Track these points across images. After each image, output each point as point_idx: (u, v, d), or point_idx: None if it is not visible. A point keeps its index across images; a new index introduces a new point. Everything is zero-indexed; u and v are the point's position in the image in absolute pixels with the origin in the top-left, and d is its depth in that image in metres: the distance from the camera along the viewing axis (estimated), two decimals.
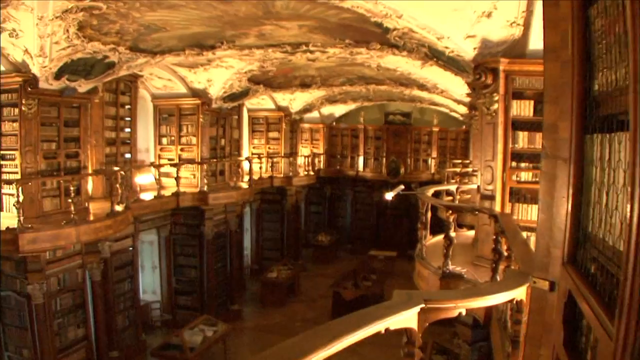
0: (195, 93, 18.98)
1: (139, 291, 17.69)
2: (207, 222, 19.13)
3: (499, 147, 9.72)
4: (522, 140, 9.77)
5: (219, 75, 18.10)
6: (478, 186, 11.49)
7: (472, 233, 12.76)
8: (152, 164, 18.12)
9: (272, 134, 27.05)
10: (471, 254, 10.82)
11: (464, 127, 28.56)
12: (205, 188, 18.50)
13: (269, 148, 26.97)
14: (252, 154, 26.35)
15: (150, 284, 19.82)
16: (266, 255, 26.96)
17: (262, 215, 27.06)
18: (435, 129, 29.54)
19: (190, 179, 19.29)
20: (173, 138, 19.71)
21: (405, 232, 29.75)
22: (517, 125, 9.83)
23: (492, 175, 9.95)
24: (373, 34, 11.90)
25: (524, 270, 4.87)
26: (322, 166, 30.65)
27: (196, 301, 19.53)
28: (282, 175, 25.84)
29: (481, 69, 9.77)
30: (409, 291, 3.95)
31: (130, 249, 16.53)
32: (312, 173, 27.96)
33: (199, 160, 19.21)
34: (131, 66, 14.18)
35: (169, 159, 19.55)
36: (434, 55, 11.70)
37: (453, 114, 27.03)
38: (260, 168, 24.49)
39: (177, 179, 17.65)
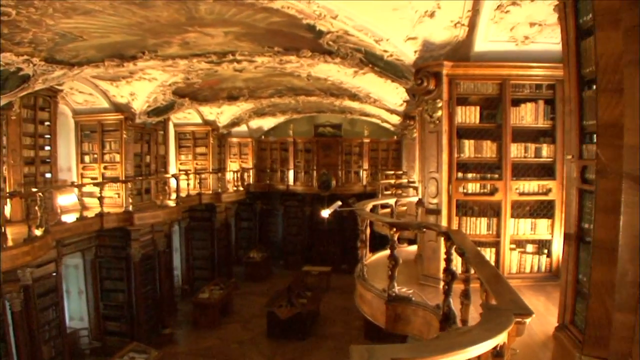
0: (118, 108, 18.12)
1: (65, 318, 16.56)
2: (133, 243, 18.16)
3: (443, 157, 9.16)
4: (469, 149, 9.26)
5: (143, 88, 17.25)
6: (420, 199, 10.85)
7: (413, 248, 12.16)
8: (73, 184, 17.14)
9: (199, 149, 26.14)
10: (415, 272, 10.24)
11: (395, 137, 28.29)
12: (130, 208, 17.57)
13: (197, 164, 26.07)
14: (180, 170, 25.44)
15: (77, 310, 18.67)
16: (197, 274, 25.93)
17: (192, 234, 25.95)
18: (366, 140, 29.22)
19: (115, 199, 18.38)
20: (96, 156, 18.76)
21: (339, 246, 29.30)
22: (463, 133, 9.32)
23: (437, 187, 9.35)
24: (304, 39, 11.21)
25: (501, 306, 4.18)
26: (251, 181, 29.92)
27: (126, 326, 18.51)
28: (210, 192, 24.93)
29: (423, 74, 9.17)
30: (370, 347, 3.15)
31: (54, 274, 15.44)
32: (241, 188, 27.16)
33: (123, 178, 18.28)
34: (47, 79, 13.17)
35: (92, 178, 18.55)
36: (369, 61, 11.04)
37: (384, 124, 26.70)
38: (188, 185, 23.65)
39: (101, 198, 16.65)
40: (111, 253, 18.55)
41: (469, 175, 9.32)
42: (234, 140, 30.00)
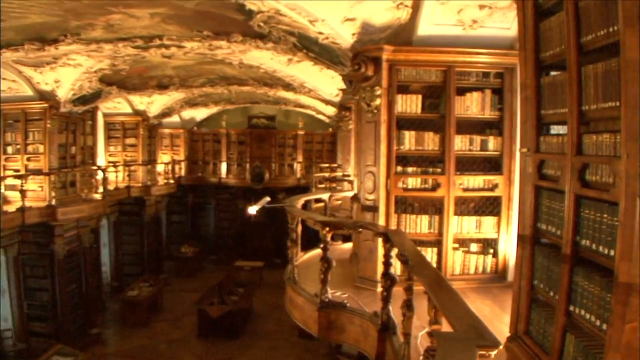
0: (42, 95, 17.09)
1: None
2: (57, 239, 17.26)
3: (382, 149, 8.47)
4: (409, 141, 8.60)
5: (68, 75, 16.33)
6: (355, 194, 10.27)
7: (348, 246, 11.60)
8: None
9: (129, 140, 25.08)
10: (350, 272, 9.55)
11: (330, 130, 27.81)
12: (54, 202, 16.68)
13: (126, 155, 24.99)
14: (109, 162, 24.41)
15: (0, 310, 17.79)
16: (127, 270, 24.93)
17: (121, 228, 24.99)
18: (301, 132, 28.73)
19: (38, 192, 17.42)
20: (19, 146, 17.75)
21: (272, 240, 28.64)
22: (403, 123, 8.64)
23: (374, 182, 8.65)
24: (234, 22, 10.56)
25: (459, 334, 3.49)
26: (183, 173, 29.13)
27: (51, 327, 17.57)
28: (140, 185, 24.10)
29: (361, 59, 8.43)
30: None
31: None
32: (172, 181, 26.38)
33: (47, 170, 17.40)
34: None
35: (15, 170, 17.59)
36: (304, 45, 10.42)
37: (319, 116, 26.19)
38: (117, 177, 22.59)
39: (22, 192, 15.77)
40: (35, 250, 17.63)
41: (409, 169, 8.67)
42: (166, 131, 29.05)
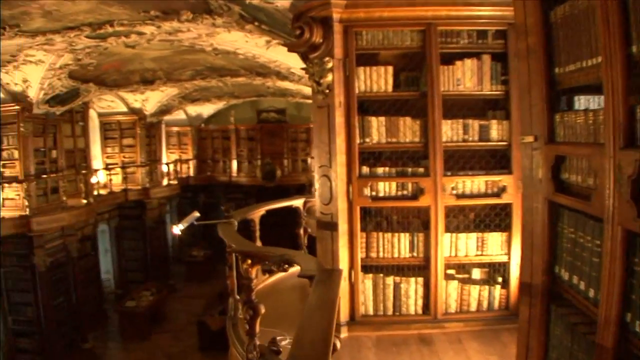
0: (14, 97, 15.08)
1: None
2: (37, 250, 15.31)
3: (338, 143, 5.97)
4: (378, 130, 6.07)
5: (33, 73, 14.29)
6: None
7: None
8: None
9: (126, 141, 23.09)
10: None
11: None
12: (28, 211, 14.77)
13: (125, 157, 23.11)
14: (107, 164, 22.40)
15: None
16: (131, 277, 23.06)
17: (123, 234, 23.19)
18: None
19: (16, 201, 15.49)
20: None
21: (288, 241, 26.58)
22: (368, 107, 6.20)
23: (330, 190, 6.12)
24: None
25: None
26: (192, 173, 27.29)
27: (37, 344, 15.81)
28: (139, 187, 22.18)
29: (304, 20, 5.90)
30: None
31: None
32: (174, 182, 24.56)
33: (23, 177, 15.45)
34: None
35: None
36: (251, 15, 8.12)
37: None
38: (111, 181, 20.67)
39: None
40: (15, 262, 15.85)
41: (380, 171, 6.09)
42: (174, 129, 27.39)
